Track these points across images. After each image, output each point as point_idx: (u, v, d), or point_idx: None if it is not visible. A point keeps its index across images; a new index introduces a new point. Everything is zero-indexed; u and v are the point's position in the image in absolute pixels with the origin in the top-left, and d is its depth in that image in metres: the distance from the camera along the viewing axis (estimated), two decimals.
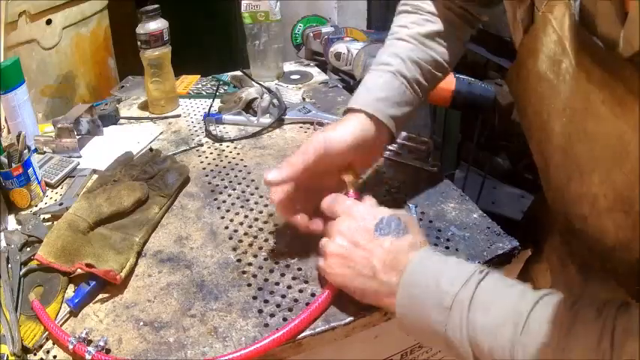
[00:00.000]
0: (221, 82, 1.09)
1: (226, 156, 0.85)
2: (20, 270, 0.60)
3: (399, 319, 0.49)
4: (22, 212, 0.73)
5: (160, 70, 0.97)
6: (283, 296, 0.57)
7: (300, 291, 0.58)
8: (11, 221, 0.72)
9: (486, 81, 1.07)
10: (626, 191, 0.41)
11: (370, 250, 0.51)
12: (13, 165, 0.72)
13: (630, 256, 0.43)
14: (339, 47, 1.08)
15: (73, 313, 0.56)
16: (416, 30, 0.62)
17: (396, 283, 0.49)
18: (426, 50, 0.62)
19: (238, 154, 0.85)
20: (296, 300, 0.57)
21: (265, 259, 0.62)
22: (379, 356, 0.65)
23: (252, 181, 0.78)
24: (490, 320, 0.43)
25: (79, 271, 0.59)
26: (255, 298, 0.57)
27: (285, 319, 0.54)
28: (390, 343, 0.65)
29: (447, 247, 0.63)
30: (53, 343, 0.54)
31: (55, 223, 0.65)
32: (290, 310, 0.55)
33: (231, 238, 0.66)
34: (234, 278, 0.60)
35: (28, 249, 0.64)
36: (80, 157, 0.86)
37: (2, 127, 0.83)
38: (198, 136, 0.92)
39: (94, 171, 0.82)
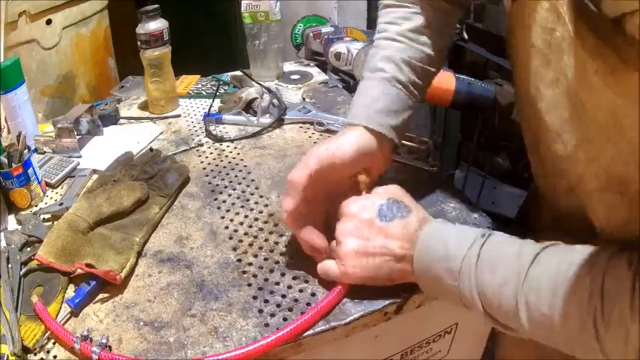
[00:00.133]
0: (221, 82, 1.09)
1: (226, 156, 0.85)
2: (20, 270, 0.60)
3: (420, 285, 0.53)
4: (22, 212, 0.73)
5: (160, 70, 0.97)
6: (283, 296, 0.57)
7: (301, 291, 0.58)
8: (11, 221, 0.72)
9: (486, 81, 1.07)
10: (620, 171, 0.40)
11: (384, 238, 0.53)
12: (13, 165, 0.72)
13: (626, 237, 0.43)
14: (339, 47, 1.08)
15: (74, 313, 0.56)
16: (405, 26, 0.61)
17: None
18: (418, 47, 0.61)
19: (238, 154, 0.85)
20: (296, 300, 0.57)
21: (265, 259, 0.62)
22: (379, 356, 0.65)
23: (253, 181, 0.78)
24: (496, 280, 0.45)
25: (79, 271, 0.59)
26: (255, 298, 0.57)
27: (285, 319, 0.54)
28: (390, 342, 0.65)
29: None
30: (54, 343, 0.54)
31: (55, 223, 0.65)
32: (290, 309, 0.55)
33: (231, 238, 0.66)
34: (234, 278, 0.60)
35: (28, 249, 0.64)
36: (80, 157, 0.86)
37: (2, 127, 0.83)
38: (198, 136, 0.92)
39: (94, 171, 0.82)
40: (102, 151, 0.86)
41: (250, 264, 0.62)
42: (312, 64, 1.20)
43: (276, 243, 0.65)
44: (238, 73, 1.08)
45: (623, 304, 0.37)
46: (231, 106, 0.95)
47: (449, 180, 1.61)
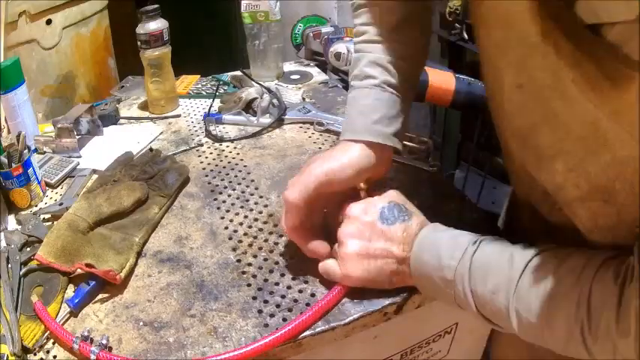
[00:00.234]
0: (221, 82, 1.09)
1: (226, 156, 0.85)
2: (20, 270, 0.60)
3: (419, 288, 0.54)
4: (22, 212, 0.73)
5: (160, 70, 0.97)
6: (283, 296, 0.57)
7: (300, 291, 0.58)
8: (11, 221, 0.72)
9: None
10: (604, 182, 0.39)
11: (386, 241, 0.53)
12: (13, 165, 0.72)
13: (615, 240, 0.42)
14: (339, 47, 1.08)
15: (73, 313, 0.56)
16: (384, 26, 0.58)
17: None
18: (401, 43, 0.58)
19: (238, 154, 0.85)
20: (296, 300, 0.57)
21: (265, 260, 0.62)
22: (379, 356, 0.65)
23: (252, 181, 0.78)
24: (487, 287, 0.46)
25: (79, 271, 0.59)
26: (254, 298, 0.57)
27: (284, 320, 0.54)
28: (390, 343, 0.65)
29: None
30: (53, 343, 0.54)
31: (55, 223, 0.65)
32: (290, 310, 0.55)
33: (230, 239, 0.66)
34: (233, 278, 0.60)
35: (28, 249, 0.64)
36: (80, 157, 0.86)
37: (2, 127, 0.83)
38: (198, 136, 0.92)
39: (94, 171, 0.82)
40: (102, 151, 0.86)
41: (250, 264, 0.62)
42: (312, 64, 1.20)
43: (276, 243, 0.65)
44: (238, 73, 1.08)
45: (610, 319, 0.37)
46: (231, 106, 0.95)
47: (449, 180, 1.61)
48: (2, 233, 0.67)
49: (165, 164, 0.77)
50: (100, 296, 0.58)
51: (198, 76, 1.14)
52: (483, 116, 1.28)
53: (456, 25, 1.48)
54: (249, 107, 0.95)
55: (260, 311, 0.55)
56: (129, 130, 0.96)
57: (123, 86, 1.10)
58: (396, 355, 0.66)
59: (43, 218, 0.71)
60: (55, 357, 0.52)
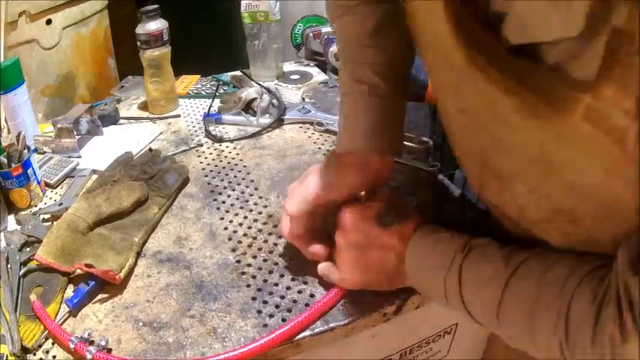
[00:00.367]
0: (221, 82, 1.09)
1: (226, 156, 0.85)
2: (20, 270, 0.60)
3: (417, 290, 0.54)
4: (22, 212, 0.73)
5: (160, 70, 0.97)
6: (282, 297, 0.57)
7: (299, 292, 0.58)
8: (11, 221, 0.72)
9: None
10: (566, 204, 0.37)
11: (382, 244, 0.53)
12: (13, 165, 0.72)
13: (592, 249, 0.40)
14: None
15: (73, 313, 0.56)
16: (364, 30, 0.56)
17: None
18: (381, 49, 0.56)
19: (238, 154, 0.85)
20: (295, 301, 0.57)
21: (264, 260, 0.62)
22: (378, 356, 0.65)
23: (252, 181, 0.78)
24: (476, 296, 0.45)
25: (79, 271, 0.59)
26: (254, 298, 0.57)
27: (284, 320, 0.54)
28: (390, 342, 0.65)
29: None
30: (53, 343, 0.54)
31: (55, 223, 0.65)
32: (289, 310, 0.55)
33: (230, 239, 0.66)
34: (233, 279, 0.60)
35: (28, 249, 0.64)
36: (80, 157, 0.86)
37: (2, 127, 0.83)
38: (197, 136, 0.92)
39: (94, 171, 0.82)
40: (101, 151, 0.86)
41: (249, 265, 0.62)
42: (311, 64, 1.20)
43: (275, 244, 0.65)
44: (238, 73, 1.08)
45: (585, 342, 0.36)
46: (230, 106, 0.95)
47: (449, 180, 1.60)
48: (2, 233, 0.67)
49: (164, 164, 0.77)
50: (99, 296, 0.58)
51: (198, 76, 1.14)
52: None
53: None
54: (248, 107, 0.95)
55: (259, 312, 0.55)
56: (129, 130, 0.96)
57: (123, 86, 1.10)
58: (395, 355, 0.66)
59: (43, 218, 0.71)
60: (54, 357, 0.52)
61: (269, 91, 0.98)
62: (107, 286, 0.59)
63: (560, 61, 0.30)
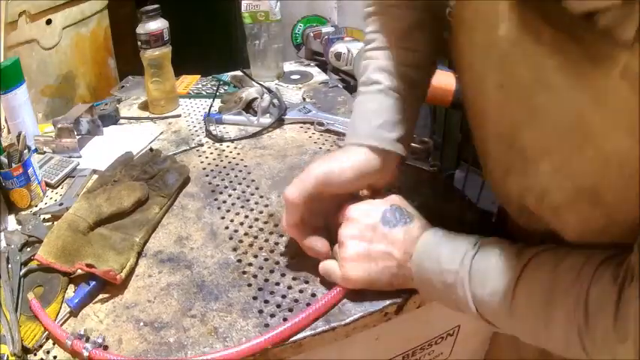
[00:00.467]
0: (221, 82, 1.09)
1: (226, 156, 0.85)
2: (20, 270, 0.60)
3: (420, 292, 0.54)
4: (22, 212, 0.73)
5: (160, 70, 0.97)
6: (284, 296, 0.57)
7: (301, 291, 0.58)
8: (11, 221, 0.71)
9: None
10: (589, 183, 0.38)
11: (387, 243, 0.53)
12: (13, 165, 0.72)
13: (603, 244, 0.41)
14: (340, 47, 1.08)
15: (73, 313, 0.56)
16: (393, 33, 0.58)
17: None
18: (410, 50, 0.58)
19: (238, 154, 0.85)
20: (296, 300, 0.57)
21: (266, 260, 0.62)
22: (380, 357, 0.65)
23: (253, 181, 0.78)
24: (487, 291, 0.46)
25: (80, 271, 0.59)
26: (255, 298, 0.57)
27: (285, 320, 0.54)
28: (392, 344, 0.65)
29: None
30: (53, 343, 0.54)
31: (55, 223, 0.65)
32: (290, 310, 0.55)
33: (231, 239, 0.66)
34: (234, 278, 0.60)
35: (28, 249, 0.64)
36: (80, 157, 0.86)
37: (2, 127, 0.83)
38: (198, 136, 0.91)
39: (94, 171, 0.82)
40: (102, 151, 0.86)
41: (250, 264, 0.62)
42: (312, 64, 1.20)
43: (277, 243, 0.65)
44: (238, 73, 1.08)
45: (607, 324, 0.37)
46: (231, 106, 0.95)
47: (449, 180, 1.60)
48: (2, 233, 0.67)
49: (165, 164, 0.77)
50: (100, 296, 0.58)
51: (199, 76, 1.14)
52: None
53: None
54: (249, 107, 0.95)
55: (261, 311, 0.55)
56: (129, 130, 0.95)
57: (123, 86, 1.10)
58: (397, 357, 0.66)
59: (43, 218, 0.71)
60: (55, 357, 0.52)
61: (269, 91, 0.98)
62: (108, 286, 0.59)
63: (609, 25, 0.31)
